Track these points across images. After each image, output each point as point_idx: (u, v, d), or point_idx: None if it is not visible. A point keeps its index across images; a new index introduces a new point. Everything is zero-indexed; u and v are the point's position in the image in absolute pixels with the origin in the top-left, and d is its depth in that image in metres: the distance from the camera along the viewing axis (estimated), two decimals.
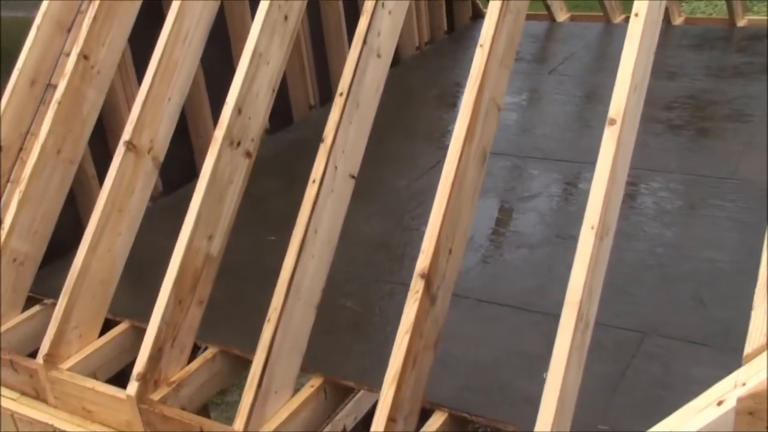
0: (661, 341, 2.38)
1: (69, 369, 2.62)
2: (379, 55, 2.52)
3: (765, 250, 1.77)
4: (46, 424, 2.58)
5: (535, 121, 4.14)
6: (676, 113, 3.91)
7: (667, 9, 4.99)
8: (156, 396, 2.43)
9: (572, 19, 5.37)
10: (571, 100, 4.26)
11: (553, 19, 5.33)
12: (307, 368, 2.42)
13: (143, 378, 2.41)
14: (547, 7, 5.31)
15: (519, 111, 4.26)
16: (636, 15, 2.10)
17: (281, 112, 4.26)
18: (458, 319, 2.59)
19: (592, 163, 3.41)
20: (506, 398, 2.23)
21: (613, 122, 2.04)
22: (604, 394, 2.21)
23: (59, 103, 2.92)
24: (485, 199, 3.41)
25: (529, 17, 5.52)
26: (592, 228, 1.97)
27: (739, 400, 1.64)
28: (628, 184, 3.26)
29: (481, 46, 2.28)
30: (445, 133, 4.05)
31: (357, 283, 2.86)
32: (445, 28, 5.33)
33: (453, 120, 3.97)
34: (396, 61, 4.93)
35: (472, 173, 2.26)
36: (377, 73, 2.54)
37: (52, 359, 2.62)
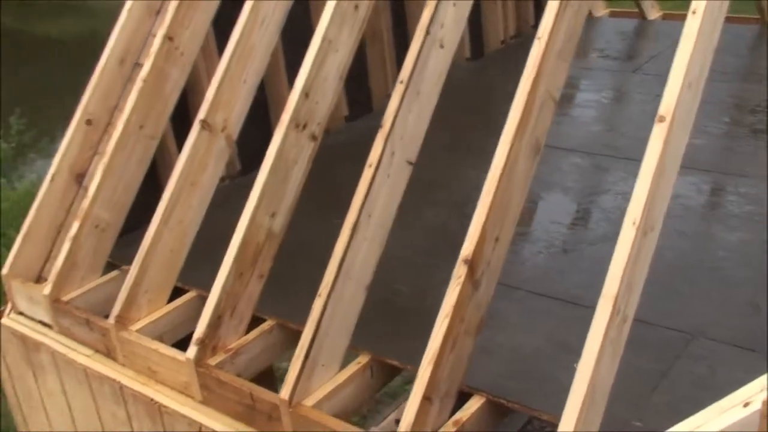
0: (708, 344, 2.36)
1: (138, 331, 2.78)
2: (442, 46, 2.58)
3: None
4: (114, 380, 2.76)
5: (613, 120, 4.10)
6: (758, 117, 3.82)
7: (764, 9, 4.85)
8: (213, 361, 2.57)
9: (664, 17, 5.27)
10: (653, 99, 4.19)
11: (643, 17, 5.24)
12: (356, 346, 2.51)
13: (202, 343, 2.55)
14: (638, 5, 5.22)
15: (598, 108, 4.23)
16: (693, 13, 2.09)
17: (361, 101, 4.35)
18: (507, 308, 2.64)
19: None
20: (545, 388, 2.26)
21: (662, 119, 2.04)
22: (642, 392, 2.21)
23: (144, 81, 3.09)
24: (551, 193, 3.42)
25: (619, 14, 5.47)
26: (634, 223, 1.99)
27: (765, 402, 1.64)
28: (695, 185, 3.25)
29: (538, 38, 2.31)
30: None
31: (413, 268, 2.93)
32: (532, 22, 5.31)
33: None
34: (479, 53, 4.98)
35: (523, 164, 2.29)
36: (439, 63, 2.59)
37: (122, 321, 2.79)
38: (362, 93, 4.34)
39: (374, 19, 4.11)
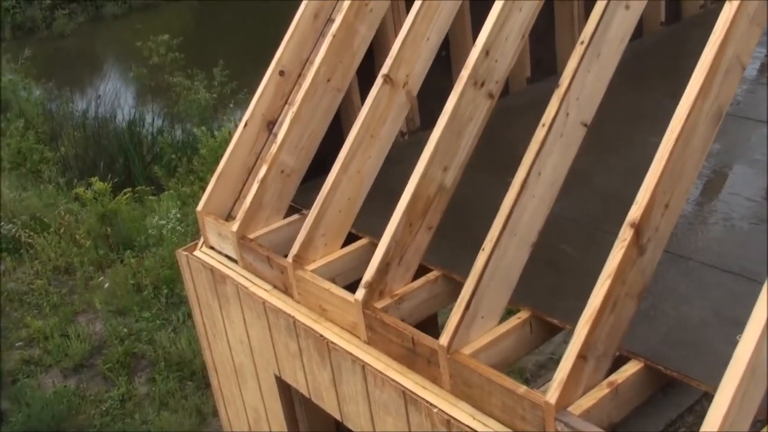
0: None
1: (313, 271, 2.96)
2: (627, 7, 2.53)
3: None
4: (289, 315, 2.96)
5: None
6: None
7: None
8: (379, 305, 2.70)
9: None
10: None
11: None
12: (517, 302, 2.56)
13: (370, 287, 2.69)
14: None
15: None
16: None
17: (546, 62, 4.31)
18: (675, 277, 2.59)
19: None
20: (706, 360, 2.22)
21: None
22: None
23: (333, 36, 3.24)
24: (736, 165, 3.28)
25: None
26: None
27: None
28: None
29: (730, 1, 2.22)
30: None
31: (582, 231, 2.92)
32: None
33: None
34: (676, 18, 4.79)
35: (703, 131, 2.23)
36: (624, 25, 2.55)
37: (300, 260, 2.98)
38: (547, 54, 4.29)
39: None
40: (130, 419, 5.93)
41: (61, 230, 7.90)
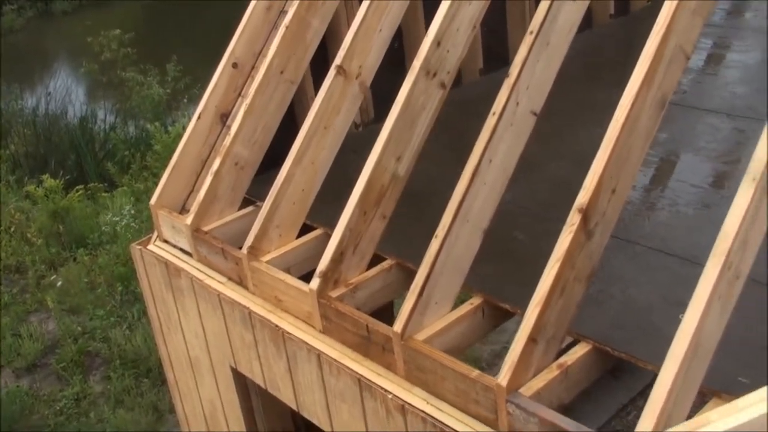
0: None
1: (267, 262, 2.97)
2: None
3: None
4: (244, 306, 2.96)
5: (761, 82, 3.94)
6: None
7: None
8: (334, 294, 2.72)
9: None
10: None
11: None
12: (469, 288, 2.60)
13: (324, 276, 2.71)
14: None
15: (746, 69, 4.08)
16: None
17: (498, 54, 4.36)
18: (624, 262, 2.65)
19: None
20: (652, 341, 2.27)
21: None
22: (754, 351, 2.19)
23: (286, 28, 3.25)
24: (682, 153, 3.37)
25: None
26: (753, 180, 1.96)
27: None
28: None
29: None
30: None
31: (533, 218, 2.97)
32: None
33: None
34: (624, 11, 4.88)
35: (647, 118, 2.29)
36: (572, 15, 2.60)
37: (254, 252, 2.98)
38: (500, 46, 4.35)
39: None
40: (85, 418, 5.86)
41: (12, 229, 7.77)
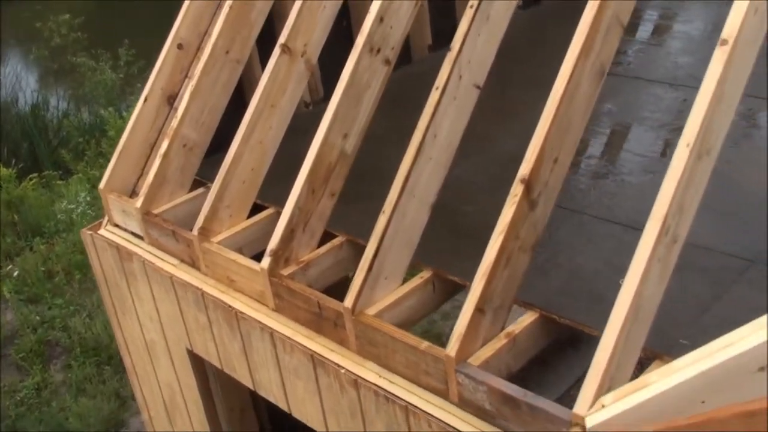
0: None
1: (219, 242, 2.97)
2: None
3: None
4: (197, 287, 2.96)
5: (704, 52, 4.00)
6: None
7: None
8: (285, 272, 2.73)
9: None
10: None
11: None
12: (419, 262, 2.62)
13: (275, 254, 2.71)
14: None
15: (689, 40, 4.13)
16: None
17: (446, 31, 4.34)
18: (569, 231, 2.70)
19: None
20: (597, 307, 2.31)
21: (724, 43, 2.03)
22: (694, 314, 2.25)
23: (230, 7, 3.22)
24: (626, 123, 3.41)
25: None
26: (688, 146, 2.00)
27: None
28: None
29: None
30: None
31: (482, 192, 3.00)
32: None
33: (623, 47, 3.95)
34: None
35: (586, 88, 2.32)
36: None
37: (205, 233, 2.98)
38: (448, 23, 4.35)
39: None
40: (46, 408, 5.82)
41: None
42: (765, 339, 1.71)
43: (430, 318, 5.80)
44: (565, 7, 4.73)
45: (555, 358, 2.88)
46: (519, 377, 2.31)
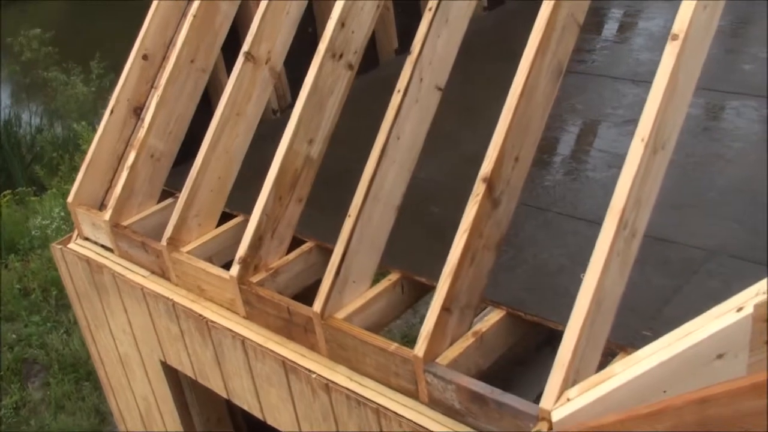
0: (728, 261, 2.40)
1: (188, 252, 2.97)
2: None
3: None
4: (168, 298, 2.96)
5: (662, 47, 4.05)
6: None
7: None
8: (255, 279, 2.73)
9: None
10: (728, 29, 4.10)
11: None
12: (388, 264, 2.63)
13: (244, 262, 2.72)
14: None
15: (651, 37, 4.18)
16: None
17: (412, 34, 4.39)
18: (534, 228, 2.72)
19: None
20: (563, 302, 2.32)
21: (675, 38, 2.07)
22: (656, 305, 2.28)
23: (194, 16, 3.23)
24: (588, 120, 3.45)
25: None
26: (642, 140, 2.03)
27: (756, 306, 1.71)
28: (732, 108, 3.22)
29: None
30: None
31: (447, 192, 3.02)
32: None
33: (583, 45, 3.98)
34: (499, 1, 4.94)
35: (545, 86, 2.34)
36: None
37: (174, 243, 2.98)
38: (413, 25, 4.37)
39: None
40: (26, 426, 5.77)
41: None
42: (721, 327, 1.74)
43: (408, 322, 5.82)
44: (528, 8, 4.78)
45: (532, 358, 2.92)
46: (499, 378, 2.32)
